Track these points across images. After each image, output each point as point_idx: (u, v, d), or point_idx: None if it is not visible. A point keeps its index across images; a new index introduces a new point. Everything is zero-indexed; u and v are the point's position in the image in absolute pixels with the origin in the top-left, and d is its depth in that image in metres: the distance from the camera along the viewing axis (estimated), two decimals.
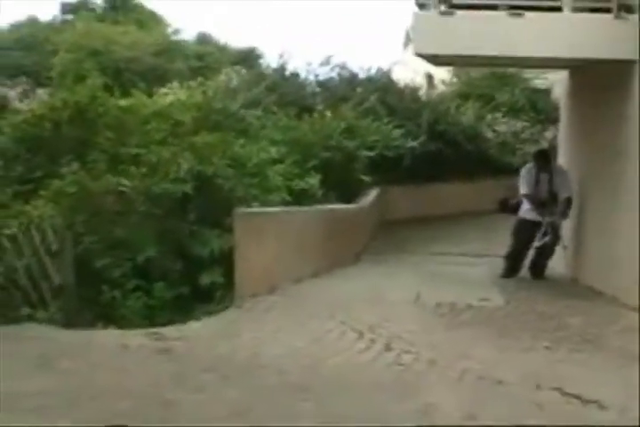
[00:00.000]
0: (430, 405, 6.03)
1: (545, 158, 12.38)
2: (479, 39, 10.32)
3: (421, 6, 10.67)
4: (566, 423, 5.78)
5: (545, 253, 12.17)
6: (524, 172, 12.33)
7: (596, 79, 11.86)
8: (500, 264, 12.48)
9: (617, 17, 10.12)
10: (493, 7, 10.52)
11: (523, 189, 12.17)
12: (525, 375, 6.89)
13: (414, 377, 6.84)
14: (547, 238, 11.90)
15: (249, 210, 10.96)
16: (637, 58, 9.93)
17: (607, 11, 10.29)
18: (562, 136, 14.62)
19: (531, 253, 12.25)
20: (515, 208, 12.46)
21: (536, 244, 12.01)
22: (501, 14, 10.36)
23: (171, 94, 18.02)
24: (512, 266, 12.37)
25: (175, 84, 19.72)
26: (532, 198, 12.02)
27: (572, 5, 10.88)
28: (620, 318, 9.37)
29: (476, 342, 8.13)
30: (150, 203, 11.07)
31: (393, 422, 5.67)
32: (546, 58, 11.27)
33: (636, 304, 9.56)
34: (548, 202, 11.97)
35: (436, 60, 12.71)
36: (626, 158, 10.33)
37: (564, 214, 12.01)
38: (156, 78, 26.83)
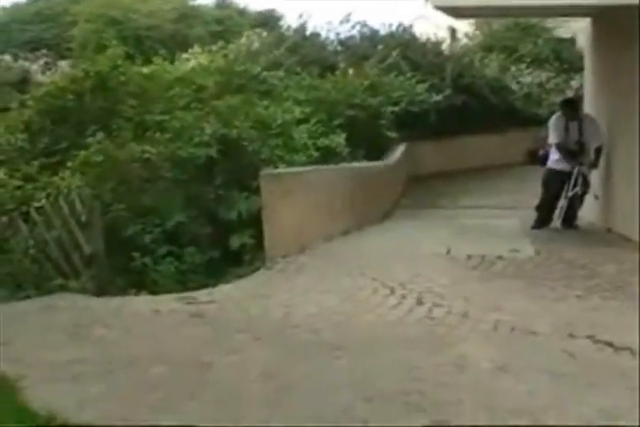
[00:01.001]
0: (463, 357, 6.04)
1: (572, 107, 12.24)
2: None
3: None
4: (599, 370, 5.78)
5: (575, 203, 12.09)
6: (552, 121, 12.21)
7: (617, 26, 11.68)
8: (531, 216, 12.43)
9: None
10: None
11: (552, 137, 12.05)
12: (558, 325, 6.87)
13: (446, 331, 6.83)
14: (577, 188, 11.82)
15: (275, 171, 10.99)
16: None
17: None
18: (587, 85, 14.45)
19: (561, 203, 12.16)
20: (543, 159, 12.37)
21: (567, 194, 11.94)
22: None
23: (192, 59, 17.99)
24: (543, 217, 12.31)
25: (196, 49, 19.65)
26: (562, 147, 11.92)
27: None
28: None
29: (507, 293, 8.11)
30: (176, 168, 11.15)
31: (426, 376, 5.68)
32: (567, 5, 11.12)
33: None
34: (578, 151, 11.86)
35: (455, 12, 12.58)
36: None
37: (595, 165, 11.93)
38: (176, 45, 26.67)
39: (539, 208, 12.39)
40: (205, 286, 9.31)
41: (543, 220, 12.29)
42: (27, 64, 26.86)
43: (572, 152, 11.86)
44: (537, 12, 14.29)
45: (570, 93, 22.39)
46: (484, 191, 16.86)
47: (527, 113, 22.12)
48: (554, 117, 12.29)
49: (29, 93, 14.71)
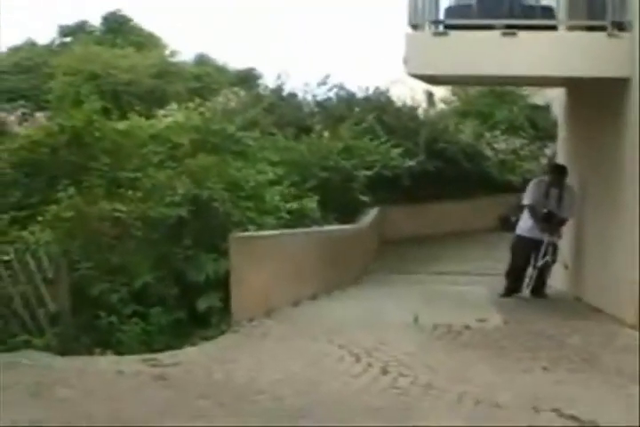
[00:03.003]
0: None
1: (560, 173, 12.27)
2: (474, 59, 10.36)
3: (415, 27, 10.67)
4: None
5: (545, 272, 12.15)
6: (532, 184, 12.32)
7: (591, 96, 11.89)
8: (499, 282, 12.49)
9: (610, 35, 10.13)
10: (488, 27, 10.51)
11: (527, 199, 12.14)
12: (523, 397, 6.84)
13: (411, 401, 6.80)
14: (547, 257, 11.90)
15: (245, 234, 11.02)
16: (631, 75, 9.94)
17: (602, 29, 10.30)
18: (560, 153, 14.62)
19: (530, 273, 12.21)
20: (515, 226, 12.45)
21: (536, 263, 12.00)
22: (495, 34, 10.35)
23: (169, 116, 18.08)
24: (512, 285, 12.36)
25: (173, 105, 19.77)
26: (534, 211, 11.98)
27: (567, 24, 11.00)
28: (618, 337, 9.34)
29: (473, 363, 8.09)
30: (146, 228, 11.14)
31: None
32: (541, 76, 11.33)
33: (635, 322, 9.53)
34: (551, 218, 11.89)
35: (431, 80, 12.76)
36: (622, 176, 10.33)
37: (559, 234, 12.05)
38: (154, 100, 26.89)
39: (507, 275, 12.44)
40: (171, 347, 9.28)
41: (512, 288, 12.34)
42: (3, 114, 26.85)
43: (546, 218, 11.89)
44: (512, 81, 14.56)
45: (544, 161, 22.68)
46: (454, 257, 16.95)
47: (501, 180, 22.37)
48: (535, 180, 12.44)
49: (4, 145, 14.68)
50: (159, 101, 24.94)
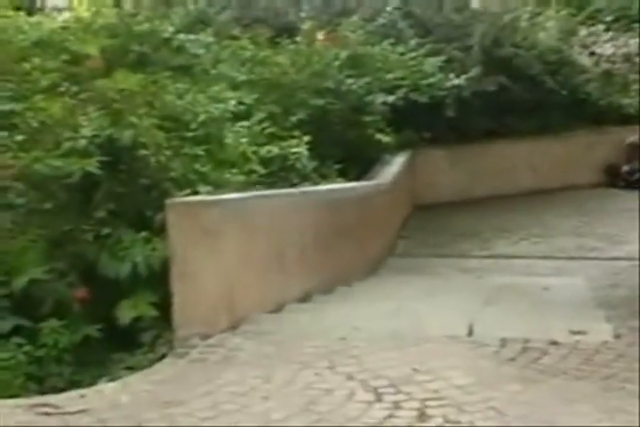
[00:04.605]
0: None
1: None
2: None
3: None
4: None
5: None
6: None
7: None
8: (607, 271, 12.39)
9: None
10: None
11: None
12: None
13: None
14: None
15: (192, 199, 10.87)
16: None
17: None
18: None
19: None
20: (633, 179, 12.36)
21: None
22: None
23: (65, 10, 17.90)
24: None
25: None
26: None
27: None
28: None
29: (566, 403, 7.97)
30: (32, 191, 10.99)
31: None
32: None
33: None
34: None
35: None
36: None
37: None
38: None
39: None
40: (75, 384, 9.21)
41: None
42: None
43: None
44: None
45: None
46: (530, 231, 16.88)
47: (605, 105, 22.15)
48: None
49: None
50: None
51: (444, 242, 16.23)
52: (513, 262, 14.48)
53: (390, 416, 7.66)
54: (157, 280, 10.30)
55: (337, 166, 14.53)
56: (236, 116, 13.39)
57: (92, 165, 10.93)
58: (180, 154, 11.75)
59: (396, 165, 16.81)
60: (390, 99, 16.70)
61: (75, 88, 12.81)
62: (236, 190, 11.60)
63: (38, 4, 18.58)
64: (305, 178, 13.20)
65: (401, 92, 17.04)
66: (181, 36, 15.65)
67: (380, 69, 17.13)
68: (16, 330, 10.17)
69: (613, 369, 8.94)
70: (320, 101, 15.27)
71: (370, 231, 14.42)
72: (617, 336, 10.12)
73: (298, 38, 16.89)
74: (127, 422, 7.73)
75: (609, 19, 24.87)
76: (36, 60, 13.64)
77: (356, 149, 15.56)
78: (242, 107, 13.73)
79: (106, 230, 10.93)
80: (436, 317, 10.82)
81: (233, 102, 13.57)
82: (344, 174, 14.50)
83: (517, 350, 9.48)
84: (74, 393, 8.67)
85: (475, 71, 19.26)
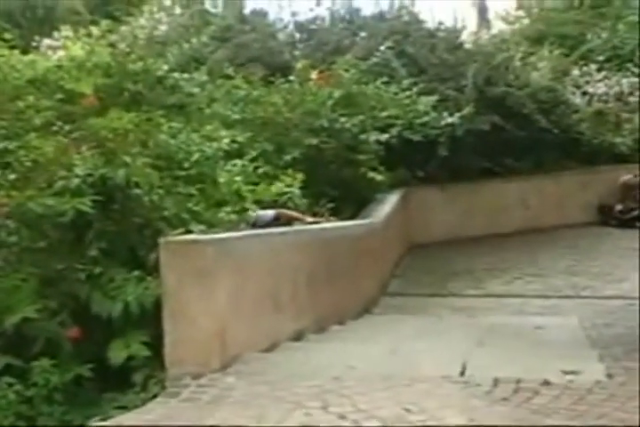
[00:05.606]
0: None
1: None
2: None
3: None
4: None
5: None
6: None
7: None
8: (600, 310, 12.38)
9: None
10: None
11: None
12: None
13: None
14: None
15: (185, 237, 10.85)
16: None
17: None
18: None
19: None
20: (626, 217, 12.37)
21: None
22: None
23: (60, 49, 17.92)
24: None
25: (66, 31, 19.57)
26: None
27: None
28: None
29: None
30: (25, 230, 10.98)
31: None
32: None
33: None
34: None
35: None
36: None
37: None
38: (36, 22, 26.76)
39: None
40: (66, 423, 9.21)
41: None
42: None
43: None
44: None
45: None
46: (523, 269, 16.86)
47: (598, 143, 22.17)
48: None
49: None
50: (43, 24, 24.84)
51: (437, 281, 16.24)
52: (506, 301, 14.50)
53: None
54: (149, 319, 10.30)
55: (330, 205, 14.52)
56: (229, 155, 13.39)
57: (85, 204, 10.94)
58: (174, 193, 11.76)
59: (389, 203, 16.83)
60: (384, 137, 16.71)
61: (68, 127, 12.81)
62: (230, 230, 11.61)
63: (33, 43, 18.55)
64: None
65: (394, 131, 17.06)
66: (176, 74, 15.66)
67: (374, 108, 17.16)
68: (7, 369, 10.18)
69: (606, 409, 8.92)
70: (314, 140, 15.28)
71: (363, 270, 14.42)
72: (609, 376, 10.09)
73: (291, 77, 16.91)
74: None
75: (601, 58, 24.94)
76: (30, 99, 13.65)
77: (350, 187, 15.58)
78: (235, 145, 13.72)
79: (98, 269, 10.91)
80: (429, 356, 10.79)
81: (226, 141, 13.57)
82: (337, 213, 14.49)
83: (510, 389, 9.45)
84: None
85: (468, 110, 19.27)
